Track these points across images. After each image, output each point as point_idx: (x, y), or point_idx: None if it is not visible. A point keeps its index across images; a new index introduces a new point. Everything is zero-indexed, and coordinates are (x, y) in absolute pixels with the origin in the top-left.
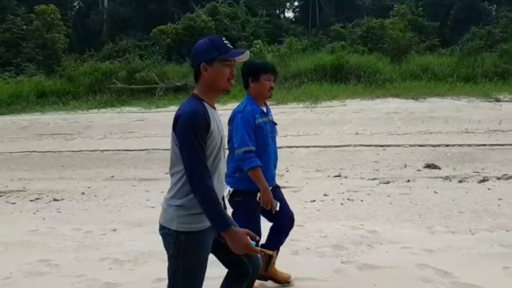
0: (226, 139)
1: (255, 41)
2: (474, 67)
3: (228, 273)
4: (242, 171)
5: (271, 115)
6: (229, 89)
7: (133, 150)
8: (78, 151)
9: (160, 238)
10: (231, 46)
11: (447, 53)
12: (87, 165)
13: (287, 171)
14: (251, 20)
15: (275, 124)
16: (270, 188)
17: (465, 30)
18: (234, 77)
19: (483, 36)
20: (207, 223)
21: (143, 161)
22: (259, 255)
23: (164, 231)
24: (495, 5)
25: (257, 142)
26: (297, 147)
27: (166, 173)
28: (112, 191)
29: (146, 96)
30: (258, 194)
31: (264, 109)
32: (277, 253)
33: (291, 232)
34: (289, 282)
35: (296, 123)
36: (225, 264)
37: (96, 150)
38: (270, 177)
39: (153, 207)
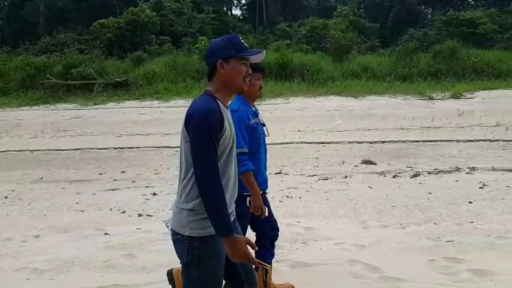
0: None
1: (200, 38)
2: (410, 67)
3: None
4: None
5: (260, 116)
6: (245, 88)
7: (66, 149)
8: (5, 151)
9: (85, 244)
10: (247, 46)
11: (386, 53)
12: (13, 166)
13: None
14: (198, 16)
15: (264, 125)
16: (262, 192)
17: (404, 31)
18: (249, 77)
19: (420, 38)
20: None
21: (76, 161)
22: (255, 271)
23: (176, 237)
24: (430, 9)
25: (250, 144)
26: None
27: (100, 174)
28: (39, 194)
29: (84, 93)
30: (248, 199)
31: (254, 109)
32: (270, 267)
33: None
34: None
35: None
36: (226, 277)
37: (25, 150)
38: (263, 180)
39: (82, 211)
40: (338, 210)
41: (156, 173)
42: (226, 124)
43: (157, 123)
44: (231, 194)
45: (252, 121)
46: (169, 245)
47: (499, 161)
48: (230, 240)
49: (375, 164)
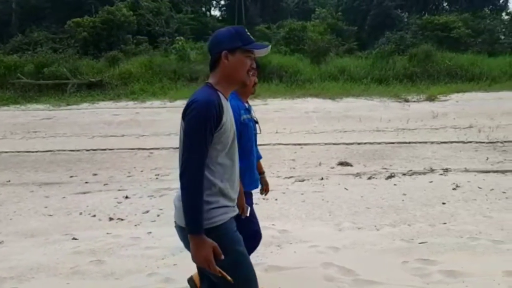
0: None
1: (177, 38)
2: (387, 70)
3: None
4: None
5: (253, 113)
6: (247, 82)
7: (36, 151)
8: None
9: (52, 250)
10: (253, 38)
11: (363, 56)
12: None
13: None
14: (176, 16)
15: (257, 122)
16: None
17: (380, 34)
18: (252, 70)
19: (396, 41)
20: (230, 214)
21: (46, 164)
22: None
23: (186, 233)
24: (407, 13)
25: (242, 140)
26: None
27: (71, 177)
28: (5, 197)
29: (56, 93)
30: None
31: (247, 106)
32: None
33: None
34: None
35: None
36: (200, 273)
37: None
38: (255, 178)
39: (50, 215)
40: (314, 212)
41: (129, 176)
42: (226, 117)
43: (132, 124)
44: (236, 188)
45: (244, 116)
46: (139, 250)
47: (471, 163)
48: (196, 239)
49: (351, 165)
